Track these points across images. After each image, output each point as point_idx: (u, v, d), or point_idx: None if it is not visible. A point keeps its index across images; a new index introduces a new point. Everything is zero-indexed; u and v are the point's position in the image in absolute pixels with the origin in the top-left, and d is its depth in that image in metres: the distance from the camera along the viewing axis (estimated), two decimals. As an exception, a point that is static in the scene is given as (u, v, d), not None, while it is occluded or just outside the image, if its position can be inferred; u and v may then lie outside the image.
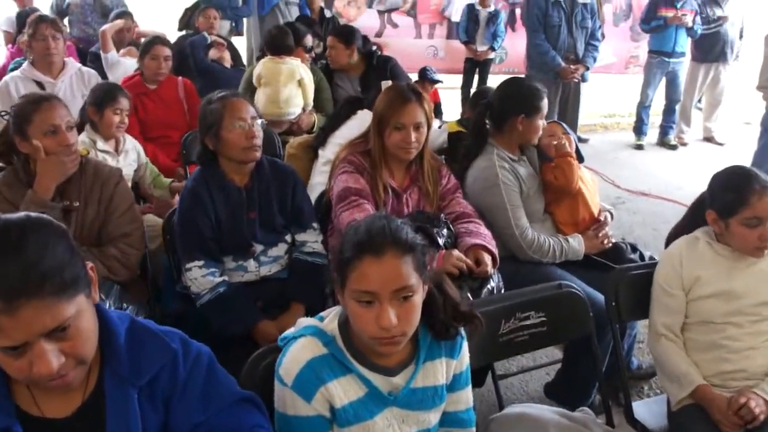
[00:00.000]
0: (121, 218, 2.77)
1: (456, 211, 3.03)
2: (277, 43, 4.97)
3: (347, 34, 5.19)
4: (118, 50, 5.77)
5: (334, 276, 1.75)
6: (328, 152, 3.78)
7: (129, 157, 3.82)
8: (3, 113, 2.91)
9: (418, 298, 1.70)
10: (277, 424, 1.77)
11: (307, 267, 2.86)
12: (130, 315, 1.55)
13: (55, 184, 2.65)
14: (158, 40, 4.69)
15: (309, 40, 5.36)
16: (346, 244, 1.70)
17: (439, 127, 4.24)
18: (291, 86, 4.86)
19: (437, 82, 6.81)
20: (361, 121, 3.76)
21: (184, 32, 6.68)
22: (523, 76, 5.89)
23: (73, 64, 4.56)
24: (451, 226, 2.93)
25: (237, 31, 7.10)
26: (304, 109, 4.92)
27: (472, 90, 8.06)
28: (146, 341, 1.51)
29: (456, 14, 8.10)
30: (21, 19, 6.05)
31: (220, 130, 2.74)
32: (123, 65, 5.57)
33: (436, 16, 8.09)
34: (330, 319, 1.84)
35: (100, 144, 3.67)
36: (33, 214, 1.37)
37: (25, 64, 4.46)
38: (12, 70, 5.18)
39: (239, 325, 2.65)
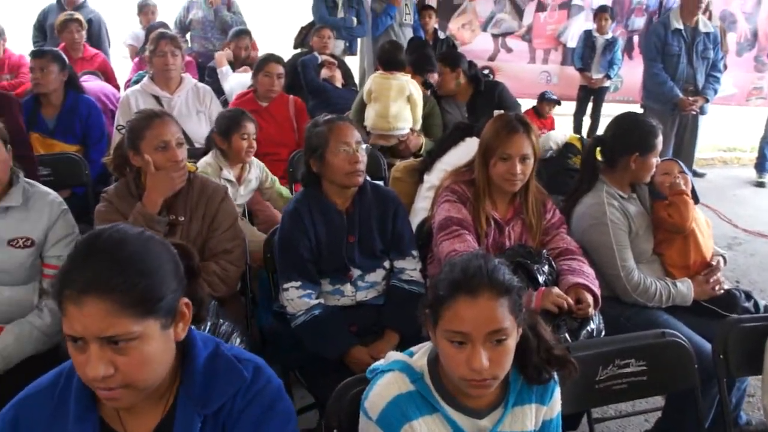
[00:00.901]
0: (223, 235, 2.83)
1: (559, 247, 2.96)
2: (389, 58, 5.02)
3: (452, 58, 5.19)
4: (235, 68, 5.97)
5: (427, 312, 1.73)
6: (434, 177, 3.76)
7: (248, 187, 3.90)
8: (120, 127, 3.03)
9: (512, 342, 1.66)
10: (360, 455, 1.77)
11: (404, 295, 2.84)
12: (216, 341, 1.58)
13: (162, 198, 2.74)
14: (272, 57, 4.80)
15: (433, 77, 5.33)
16: (442, 282, 1.68)
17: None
18: (400, 102, 4.90)
19: (557, 102, 6.72)
20: (468, 148, 3.73)
21: (299, 50, 6.81)
22: (637, 110, 5.74)
23: (189, 80, 4.72)
24: (553, 262, 2.86)
25: (351, 51, 7.19)
26: (412, 130, 4.93)
27: (586, 118, 7.93)
28: (222, 370, 1.53)
29: (572, 40, 7.98)
30: (149, 33, 6.32)
31: (324, 153, 2.77)
32: (237, 77, 5.77)
33: (552, 42, 7.99)
34: (420, 355, 1.82)
35: (225, 173, 3.74)
36: (157, 237, 1.46)
37: (145, 79, 4.65)
38: (135, 82, 5.42)
39: (332, 348, 2.65)
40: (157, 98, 4.53)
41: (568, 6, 7.94)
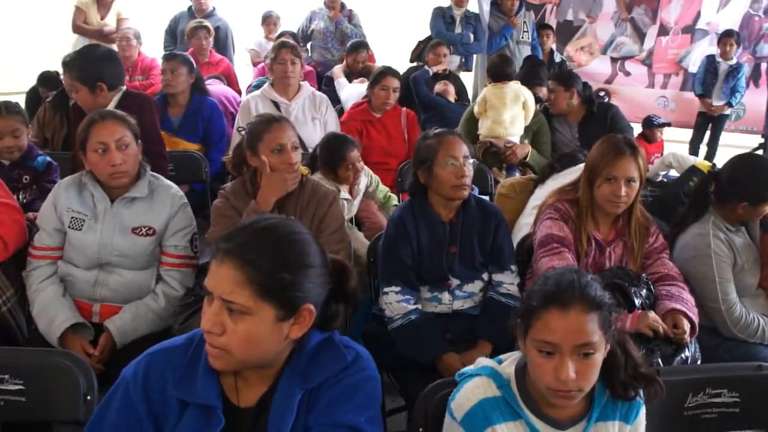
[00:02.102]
0: (330, 237, 2.97)
1: (660, 272, 2.95)
2: (498, 70, 5.16)
3: (566, 77, 5.21)
4: (351, 79, 6.18)
5: (517, 322, 1.80)
6: (542, 194, 3.81)
7: (359, 195, 4.02)
8: (240, 129, 3.22)
9: (599, 357, 1.71)
10: (443, 453, 1.86)
11: (499, 307, 2.90)
12: (333, 332, 1.69)
13: (275, 198, 2.90)
14: (389, 71, 4.95)
15: (542, 91, 5.41)
16: (535, 294, 1.76)
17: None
18: (516, 107, 5.03)
19: (666, 124, 6.63)
20: (575, 174, 3.77)
21: (415, 64, 6.96)
22: (758, 140, 5.58)
23: (307, 87, 4.92)
24: (652, 287, 2.86)
25: (466, 67, 7.29)
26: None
27: (703, 146, 7.74)
28: (327, 353, 1.64)
29: (694, 65, 7.80)
30: (277, 38, 6.63)
31: (432, 166, 2.87)
32: (352, 87, 5.98)
33: (672, 66, 7.84)
34: (508, 363, 1.89)
35: (343, 193, 3.80)
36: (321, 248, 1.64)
37: (266, 85, 4.88)
38: (255, 87, 5.69)
39: (425, 353, 2.75)
40: (275, 104, 4.75)
41: (692, 30, 7.77)
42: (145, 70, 6.73)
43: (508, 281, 2.97)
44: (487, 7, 7.07)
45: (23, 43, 10.47)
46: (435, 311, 2.91)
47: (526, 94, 5.10)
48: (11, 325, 2.90)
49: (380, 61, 6.80)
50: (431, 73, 5.95)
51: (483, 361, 1.92)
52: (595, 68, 7.63)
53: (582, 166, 3.70)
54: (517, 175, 4.61)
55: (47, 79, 6.07)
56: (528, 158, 4.93)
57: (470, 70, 7.30)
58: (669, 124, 6.96)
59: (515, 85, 5.12)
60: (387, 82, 4.88)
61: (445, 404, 1.90)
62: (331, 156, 3.83)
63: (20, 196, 3.59)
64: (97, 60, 3.80)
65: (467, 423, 1.78)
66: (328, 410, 1.58)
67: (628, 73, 7.82)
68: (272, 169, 2.89)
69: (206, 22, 6.59)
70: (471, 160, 2.92)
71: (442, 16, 7.01)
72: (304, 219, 2.97)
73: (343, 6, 7.24)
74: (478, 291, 2.96)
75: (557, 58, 7.45)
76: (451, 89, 6.02)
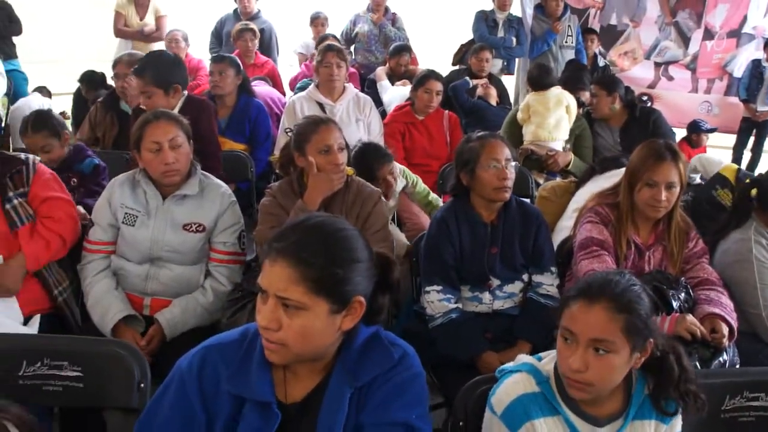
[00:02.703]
0: (374, 236, 3.03)
1: (699, 276, 2.98)
2: (537, 79, 5.24)
3: (609, 82, 5.24)
4: (394, 82, 6.27)
5: (554, 311, 1.88)
6: (581, 198, 3.86)
7: (395, 197, 4.06)
8: (287, 130, 3.30)
9: (617, 360, 1.77)
10: (481, 449, 1.92)
11: (539, 308, 2.96)
12: (378, 327, 1.76)
13: (321, 198, 2.99)
14: (433, 74, 5.01)
15: (584, 95, 5.47)
16: (575, 287, 1.84)
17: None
18: (560, 111, 5.10)
19: (713, 130, 6.60)
20: (616, 178, 3.80)
21: (457, 67, 7.01)
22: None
23: (351, 89, 5.00)
24: (691, 291, 2.89)
25: (508, 70, 7.32)
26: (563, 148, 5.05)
27: (746, 152, 7.67)
28: (375, 350, 1.71)
29: (739, 70, 7.73)
30: (319, 44, 6.70)
31: (475, 168, 2.94)
32: (395, 90, 6.05)
33: (717, 71, 7.78)
34: (547, 360, 1.95)
35: None
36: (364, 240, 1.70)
37: (311, 87, 4.96)
38: (300, 89, 5.80)
39: (464, 351, 2.82)
40: (320, 105, 4.84)
41: (738, 34, 7.70)
42: (192, 71, 6.86)
43: (548, 282, 3.03)
44: (530, 11, 7.09)
45: (65, 45, 10.74)
46: (475, 311, 2.97)
47: (568, 99, 5.16)
48: (66, 315, 3.04)
49: (422, 64, 6.86)
50: (471, 85, 5.99)
51: (523, 358, 1.99)
52: (637, 73, 7.61)
53: (623, 170, 3.77)
54: (558, 179, 4.65)
55: (89, 80, 6.27)
56: (570, 166, 4.95)
57: (512, 74, 7.33)
58: (715, 130, 6.92)
59: (556, 90, 5.18)
60: (430, 85, 4.95)
61: (484, 400, 1.97)
62: (362, 170, 3.89)
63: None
64: (169, 64, 4.03)
65: (507, 417, 1.85)
66: (380, 409, 1.64)
67: (671, 78, 7.78)
68: (319, 170, 2.98)
69: (252, 25, 6.70)
70: (513, 163, 2.98)
71: (484, 20, 7.05)
72: (349, 218, 3.04)
73: (387, 9, 7.31)
74: (518, 292, 3.02)
75: (601, 62, 7.45)
76: (493, 92, 6.07)
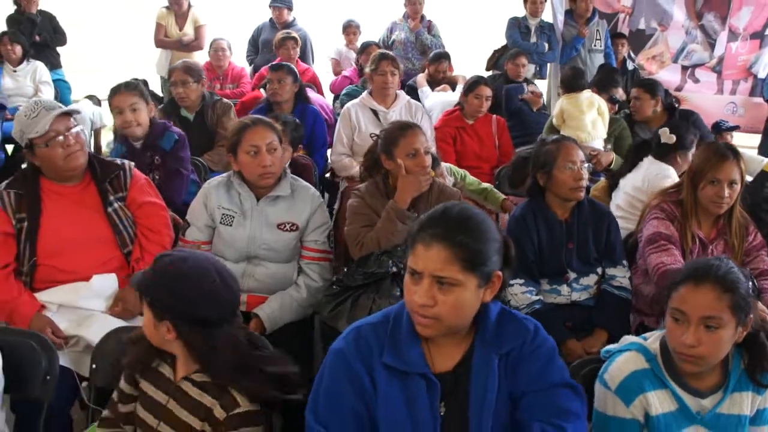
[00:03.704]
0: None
1: (759, 268, 3.21)
2: (571, 82, 5.53)
3: (652, 86, 5.46)
4: (433, 88, 6.50)
5: (662, 295, 2.11)
6: (618, 199, 4.12)
7: None
8: (373, 135, 3.52)
9: (725, 334, 2.00)
10: (594, 420, 2.14)
11: (613, 299, 3.19)
12: (501, 303, 1.99)
13: (411, 198, 3.21)
14: (482, 80, 5.25)
15: (618, 92, 5.71)
16: (680, 272, 2.08)
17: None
18: (593, 112, 5.37)
19: (735, 128, 6.81)
20: (646, 170, 4.06)
21: (491, 72, 7.23)
22: None
23: (403, 96, 5.22)
24: (755, 281, 3.10)
25: (540, 75, 7.51)
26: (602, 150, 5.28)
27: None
28: (510, 321, 1.94)
29: (763, 71, 7.89)
30: (362, 48, 6.99)
31: (552, 170, 3.16)
32: (436, 95, 6.31)
33: (742, 73, 7.93)
34: (653, 339, 2.17)
35: None
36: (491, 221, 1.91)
37: (365, 94, 5.18)
38: (346, 95, 6.02)
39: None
40: (374, 112, 5.05)
41: (761, 36, 7.84)
42: (236, 79, 7.11)
43: (621, 275, 3.24)
44: (561, 17, 7.26)
45: (106, 55, 11.00)
46: (555, 302, 3.19)
47: (599, 101, 5.42)
48: None
49: (456, 70, 7.09)
50: (526, 92, 6.24)
51: (629, 338, 2.22)
52: (665, 76, 7.67)
53: (646, 162, 4.04)
54: (602, 179, 4.86)
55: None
56: (612, 165, 5.17)
57: (544, 78, 7.52)
58: (738, 128, 7.10)
59: (587, 93, 5.44)
60: (480, 91, 5.18)
61: (589, 378, 2.21)
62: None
63: (154, 177, 3.84)
64: None
65: (621, 391, 2.07)
66: (539, 376, 1.87)
67: (697, 80, 7.93)
68: (407, 172, 3.21)
69: (294, 33, 6.92)
70: (586, 164, 3.21)
71: (517, 26, 7.24)
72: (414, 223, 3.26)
73: (422, 17, 7.53)
74: (593, 284, 3.25)
75: (630, 66, 7.63)
76: (540, 100, 6.30)
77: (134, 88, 4.00)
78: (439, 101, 6.19)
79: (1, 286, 2.90)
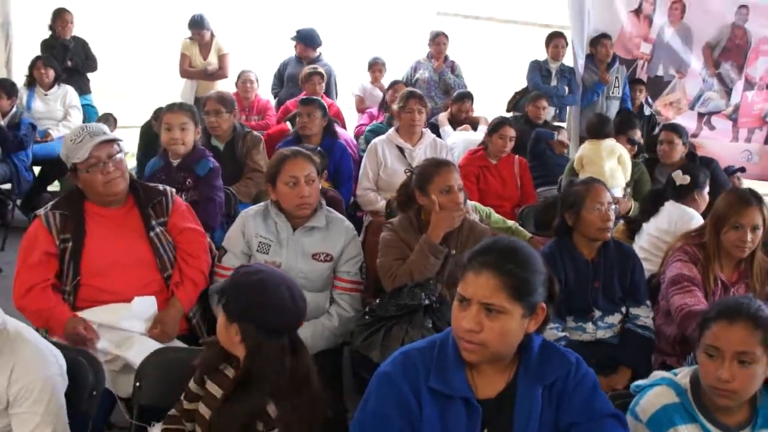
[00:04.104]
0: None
1: (780, 312, 3.30)
2: (597, 128, 5.62)
3: (681, 129, 5.63)
4: (455, 127, 6.66)
5: (697, 335, 2.21)
6: (642, 241, 4.23)
7: None
8: (407, 170, 3.65)
9: (758, 369, 2.10)
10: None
11: (637, 338, 3.29)
12: (542, 336, 2.08)
13: (444, 233, 3.32)
14: (507, 121, 5.41)
15: (636, 134, 5.85)
16: (712, 309, 2.19)
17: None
18: (612, 161, 5.44)
19: (741, 170, 6.91)
20: (669, 214, 4.18)
21: (511, 114, 7.37)
22: None
23: (429, 134, 5.37)
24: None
25: (560, 118, 7.61)
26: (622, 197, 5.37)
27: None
28: (552, 353, 2.04)
29: (778, 119, 8.07)
30: (390, 85, 7.16)
31: (581, 210, 3.28)
32: (457, 135, 6.45)
33: (757, 121, 8.07)
34: (682, 375, 2.27)
35: None
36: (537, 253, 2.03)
37: (391, 131, 5.33)
38: (370, 131, 6.16)
39: (574, 376, 3.13)
40: (400, 149, 5.20)
41: (776, 85, 8.05)
42: (261, 111, 7.27)
43: (644, 315, 3.35)
44: (582, 61, 7.42)
45: (131, 82, 11.22)
46: (579, 339, 3.28)
47: (621, 150, 5.51)
48: (198, 336, 3.29)
49: (477, 110, 7.24)
50: (556, 137, 6.42)
51: (659, 374, 2.32)
52: (681, 122, 7.78)
53: (667, 206, 4.17)
54: (621, 222, 4.95)
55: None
56: (631, 213, 5.26)
57: (564, 121, 7.63)
58: (743, 170, 7.19)
59: (610, 141, 5.54)
60: (505, 131, 5.34)
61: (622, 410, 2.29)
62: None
63: (183, 197, 3.94)
64: None
65: (653, 424, 2.17)
66: (586, 407, 1.96)
67: (713, 128, 8.08)
68: (441, 208, 3.32)
69: (320, 69, 7.07)
70: (613, 206, 3.32)
71: (539, 69, 7.39)
72: (464, 253, 3.36)
73: (446, 57, 7.70)
74: (617, 322, 3.35)
75: (647, 111, 7.79)
76: (564, 149, 6.46)
77: (188, 109, 4.21)
78: (460, 140, 6.36)
79: (39, 296, 3.01)
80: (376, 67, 8.12)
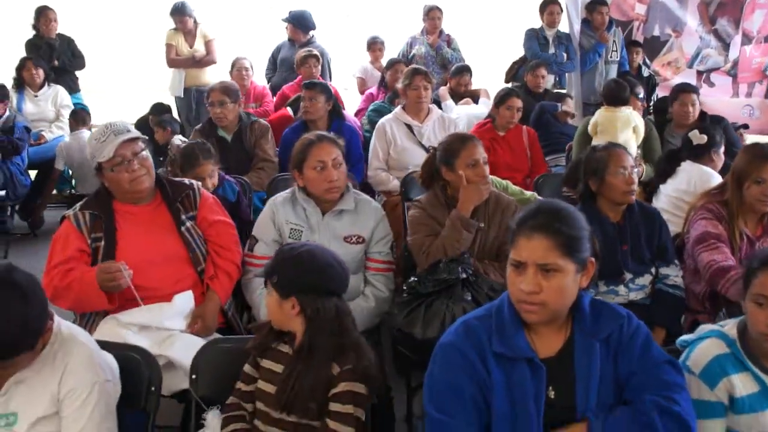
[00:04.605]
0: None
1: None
2: (614, 94, 5.66)
3: (696, 88, 5.79)
4: (456, 101, 6.77)
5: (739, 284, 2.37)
6: (661, 203, 4.36)
7: None
8: (431, 147, 3.76)
9: None
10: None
11: (669, 297, 3.44)
12: (587, 293, 2.22)
13: (473, 206, 3.46)
14: (513, 92, 5.52)
15: (640, 89, 6.02)
16: (754, 259, 2.32)
17: None
18: (627, 132, 5.51)
19: (745, 126, 7.07)
20: (688, 174, 4.32)
21: (510, 84, 7.47)
22: None
23: (436, 110, 5.50)
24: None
25: (560, 85, 7.76)
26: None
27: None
28: (603, 309, 2.20)
29: (778, 73, 8.16)
30: (389, 64, 7.19)
31: (604, 175, 3.42)
32: (460, 109, 6.59)
33: (757, 75, 8.11)
34: (729, 327, 2.41)
35: None
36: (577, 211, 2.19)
37: (398, 109, 5.45)
38: (373, 110, 6.26)
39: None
40: (408, 126, 5.32)
41: (774, 37, 8.11)
42: (258, 98, 7.33)
43: (674, 274, 3.50)
44: (577, 26, 7.52)
45: (117, 77, 11.23)
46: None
47: (637, 120, 5.57)
48: (234, 327, 3.42)
49: (475, 83, 7.34)
50: (559, 109, 6.53)
51: (706, 327, 2.45)
52: (680, 82, 7.91)
53: (685, 166, 4.33)
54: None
55: (159, 109, 6.94)
56: (643, 177, 5.38)
57: (564, 88, 7.72)
58: (747, 126, 7.34)
59: (626, 110, 5.60)
60: (512, 103, 5.45)
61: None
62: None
63: None
64: None
65: (706, 375, 2.30)
66: (644, 356, 2.11)
67: (712, 84, 8.17)
68: (468, 182, 3.45)
69: (315, 51, 7.13)
70: (636, 169, 3.46)
71: (535, 37, 7.50)
72: (492, 226, 3.51)
73: (441, 31, 7.81)
74: (647, 284, 3.50)
75: (645, 72, 7.92)
76: (568, 118, 6.58)
77: (210, 155, 4.27)
78: (463, 114, 6.46)
79: (63, 274, 3.05)
80: (375, 46, 8.15)
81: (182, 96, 7.87)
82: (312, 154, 3.39)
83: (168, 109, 7.21)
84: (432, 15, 7.72)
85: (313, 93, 5.34)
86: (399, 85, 5.50)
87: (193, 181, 3.47)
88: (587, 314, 2.16)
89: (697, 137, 4.36)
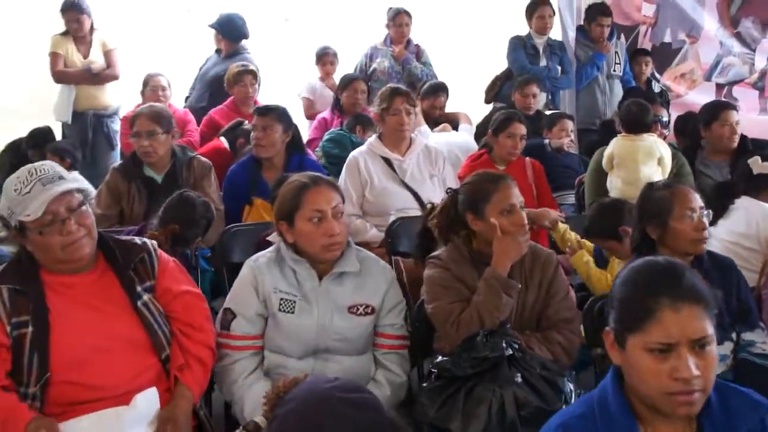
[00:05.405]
0: (560, 303, 3.48)
1: None
2: (635, 119, 5.66)
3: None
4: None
5: None
6: (713, 248, 4.42)
7: None
8: (449, 190, 3.72)
9: None
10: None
11: (756, 369, 3.45)
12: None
13: (511, 263, 3.39)
14: (515, 116, 5.57)
15: (664, 112, 6.11)
16: None
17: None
18: (651, 164, 5.54)
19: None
20: (746, 212, 4.41)
21: (492, 105, 7.54)
22: None
23: (420, 140, 5.45)
24: None
25: (553, 104, 7.70)
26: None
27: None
28: (733, 396, 2.15)
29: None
30: (344, 82, 7.16)
31: (668, 220, 3.45)
32: (438, 137, 6.63)
33: (790, 88, 8.19)
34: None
35: None
36: None
37: (373, 139, 5.36)
38: (330, 140, 6.26)
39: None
40: (387, 161, 5.24)
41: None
42: (179, 125, 7.12)
43: (760, 340, 3.51)
44: (572, 34, 7.63)
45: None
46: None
47: (663, 150, 5.59)
48: (206, 427, 3.25)
49: (452, 105, 7.39)
50: (550, 149, 6.53)
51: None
52: (695, 98, 7.96)
53: (741, 203, 4.43)
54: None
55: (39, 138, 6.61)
56: None
57: (557, 109, 7.65)
58: None
59: (650, 138, 5.60)
60: (514, 129, 5.49)
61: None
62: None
63: None
64: None
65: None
66: None
67: (735, 100, 8.11)
68: (503, 233, 3.40)
69: (252, 66, 7.06)
70: (706, 212, 3.51)
71: (522, 47, 7.49)
72: (531, 285, 3.48)
73: (409, 41, 7.78)
74: (729, 353, 3.51)
75: (656, 88, 7.98)
76: (565, 146, 6.62)
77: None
78: (443, 142, 6.32)
79: None
80: (326, 58, 8.09)
81: (71, 122, 7.54)
82: (307, 201, 3.30)
83: (51, 135, 6.85)
84: (399, 21, 7.69)
85: (268, 121, 5.23)
86: (372, 109, 5.46)
87: (147, 240, 3.32)
88: (715, 403, 2.11)
89: (759, 166, 4.40)
